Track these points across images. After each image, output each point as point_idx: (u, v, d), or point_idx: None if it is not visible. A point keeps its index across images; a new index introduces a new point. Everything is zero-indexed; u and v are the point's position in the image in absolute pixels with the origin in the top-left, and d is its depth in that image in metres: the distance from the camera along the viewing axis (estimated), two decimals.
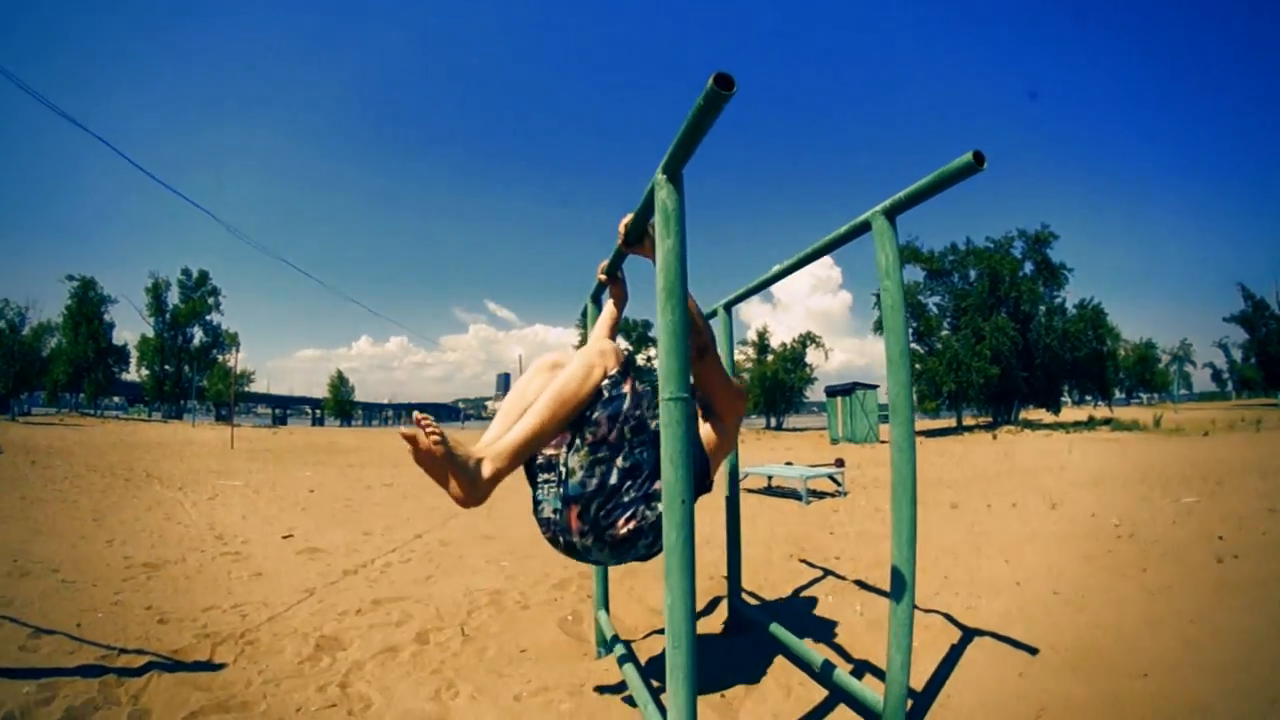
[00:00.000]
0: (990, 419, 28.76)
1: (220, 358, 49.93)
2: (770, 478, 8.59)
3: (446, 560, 4.26)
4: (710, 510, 4.28)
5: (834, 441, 22.54)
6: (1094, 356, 27.84)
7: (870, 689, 1.91)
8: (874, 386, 23.63)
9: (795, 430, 38.31)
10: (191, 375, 48.35)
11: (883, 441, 21.50)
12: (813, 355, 42.17)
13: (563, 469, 1.62)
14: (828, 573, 3.81)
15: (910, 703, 1.80)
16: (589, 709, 2.11)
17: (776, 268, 2.36)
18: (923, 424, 33.23)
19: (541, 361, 1.84)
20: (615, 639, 2.35)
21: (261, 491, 7.94)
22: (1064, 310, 27.95)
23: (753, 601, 3.35)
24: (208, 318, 49.01)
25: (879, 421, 23.27)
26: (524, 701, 2.16)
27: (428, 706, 2.12)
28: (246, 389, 56.70)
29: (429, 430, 1.35)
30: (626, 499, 1.59)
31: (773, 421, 42.45)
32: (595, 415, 1.61)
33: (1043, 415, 30.18)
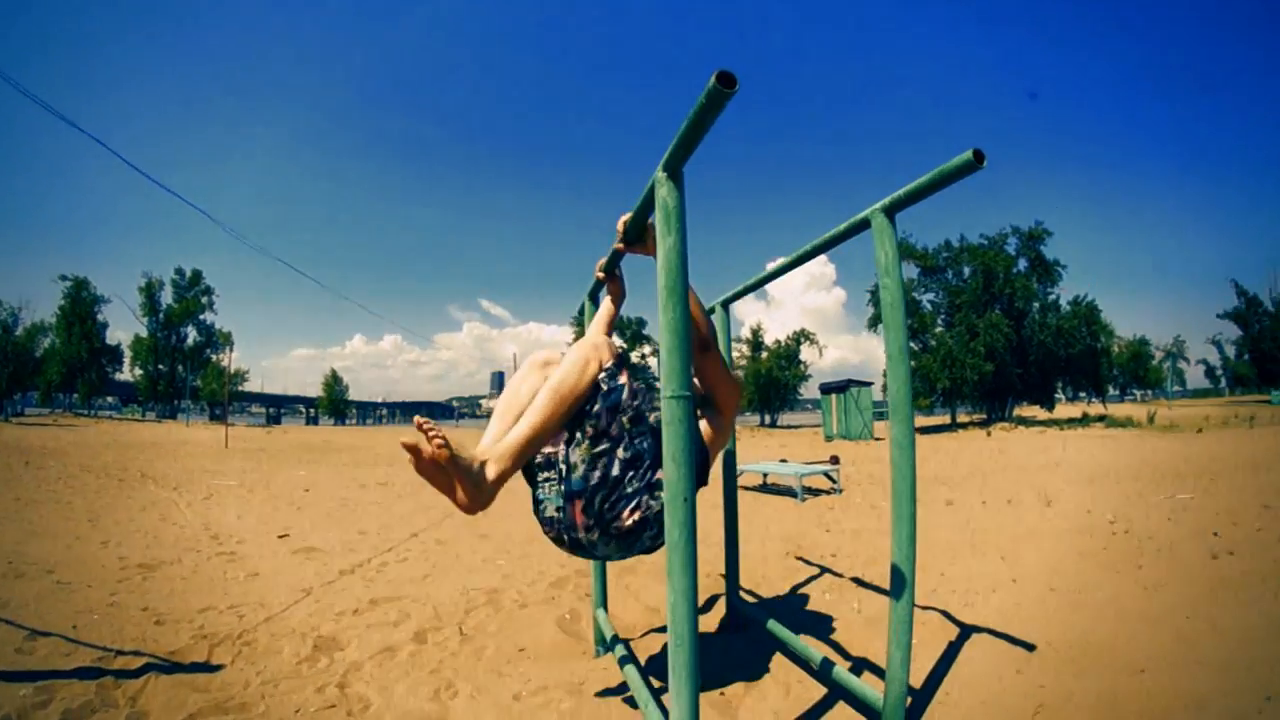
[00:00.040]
0: (984, 416, 28.89)
1: (214, 357, 49.77)
2: (765, 475, 8.61)
3: (443, 559, 4.25)
4: (706, 508, 4.29)
5: (828, 439, 22.57)
6: (1088, 353, 27.97)
7: (869, 686, 1.91)
8: (868, 384, 23.71)
9: (789, 428, 38.37)
10: (185, 375, 48.14)
11: (877, 439, 21.57)
12: (807, 352, 42.21)
13: (563, 466, 1.62)
14: (824, 570, 3.82)
15: (909, 700, 1.81)
16: (589, 708, 2.11)
17: (771, 266, 2.36)
18: (917, 421, 33.16)
19: (532, 360, 1.83)
20: (615, 639, 2.35)
21: (256, 491, 7.91)
22: (1058, 307, 28.10)
23: (750, 599, 3.36)
24: (201, 317, 48.85)
25: (873, 419, 23.34)
26: (524, 701, 2.16)
27: (427, 706, 2.12)
28: (240, 388, 56.37)
29: (432, 435, 1.32)
30: (630, 490, 1.59)
31: (767, 419, 42.48)
32: (595, 409, 1.61)
33: (1037, 412, 30.33)
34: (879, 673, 2.29)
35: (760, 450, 16.64)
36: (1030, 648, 2.38)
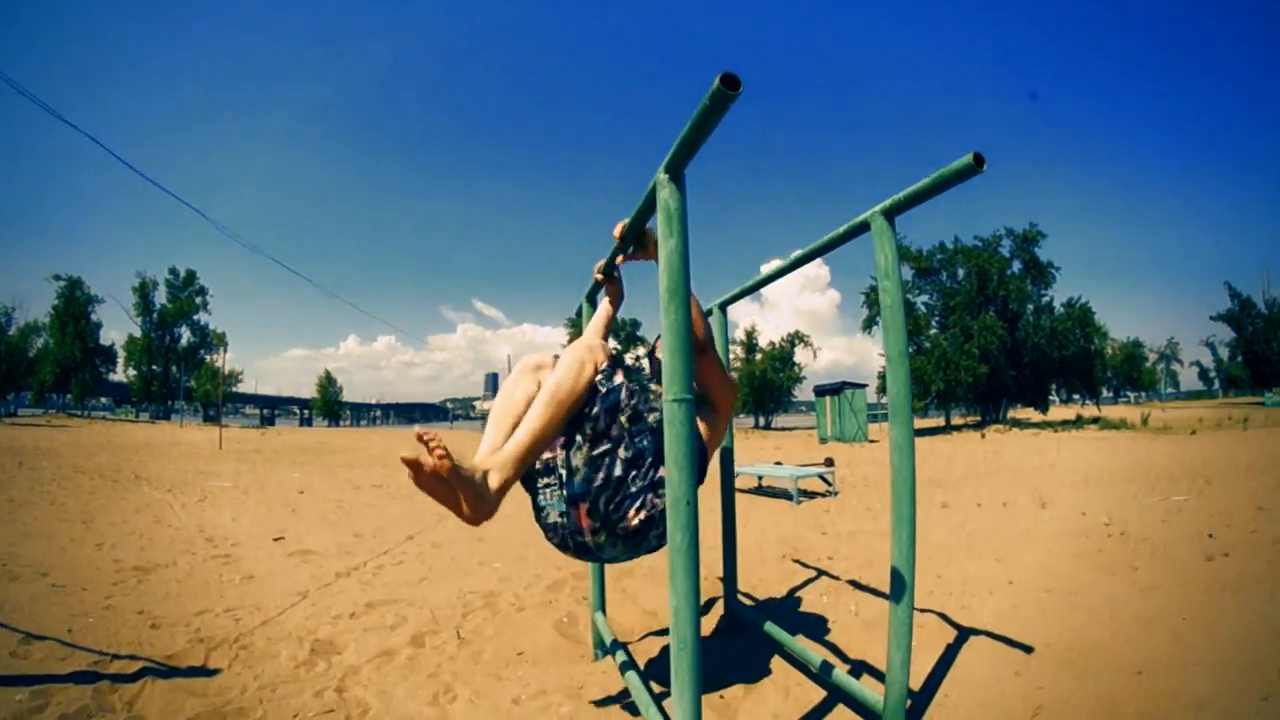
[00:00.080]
0: (978, 418, 28.98)
1: (208, 358, 49.67)
2: (760, 478, 8.61)
3: (439, 562, 4.24)
4: (702, 510, 4.27)
5: (822, 441, 22.62)
6: (1082, 355, 28.11)
7: (869, 689, 1.92)
8: (862, 386, 23.77)
9: (783, 429, 38.40)
10: (179, 375, 48.01)
11: (872, 441, 21.62)
12: (801, 354, 42.25)
13: (562, 471, 1.61)
14: (821, 573, 3.82)
15: (909, 702, 1.81)
16: (588, 713, 2.10)
17: (766, 268, 2.37)
18: None
19: (524, 364, 1.80)
20: (615, 643, 2.34)
21: (251, 493, 7.87)
22: (1052, 309, 28.23)
23: (747, 602, 3.36)
24: (195, 317, 48.73)
25: (868, 421, 23.39)
26: (523, 705, 2.15)
27: (426, 711, 2.11)
28: (234, 389, 56.30)
29: (434, 446, 1.25)
30: (634, 489, 1.59)
31: (761, 421, 42.51)
32: (593, 411, 1.61)
33: (1030, 414, 30.42)
34: (877, 675, 2.30)
35: (755, 452, 16.65)
36: (1028, 650, 2.39)
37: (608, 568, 3.52)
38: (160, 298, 47.32)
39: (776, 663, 2.46)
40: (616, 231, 1.77)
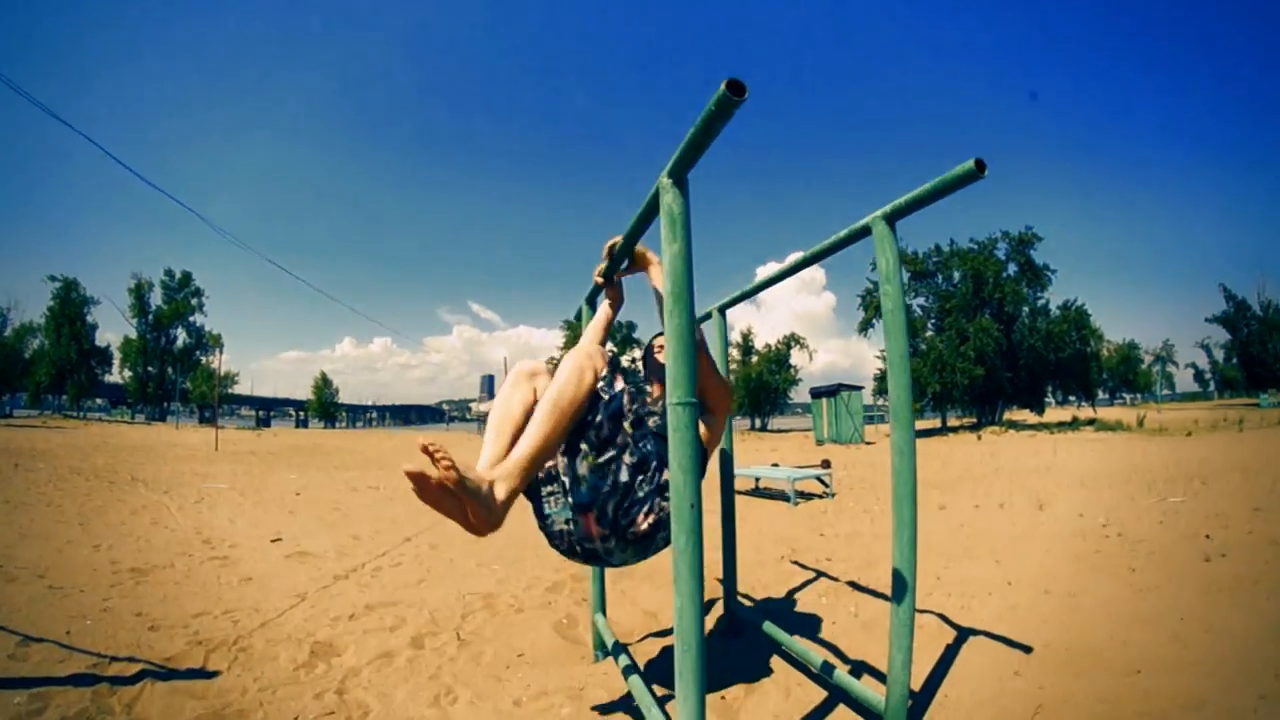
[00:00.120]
0: (975, 420, 29.02)
1: (204, 359, 49.46)
2: (758, 479, 8.61)
3: (437, 564, 4.24)
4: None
5: (819, 443, 22.63)
6: (1077, 357, 28.17)
7: (870, 689, 1.92)
8: (858, 388, 23.77)
9: (780, 432, 38.42)
10: (175, 377, 47.82)
11: (868, 443, 21.63)
12: (797, 356, 42.32)
13: (566, 478, 1.60)
14: (820, 574, 3.83)
15: (910, 702, 1.81)
16: (590, 714, 2.11)
17: (767, 272, 2.37)
18: None
19: (518, 371, 1.77)
20: (617, 644, 2.34)
21: (248, 494, 7.85)
22: (1047, 311, 28.29)
23: (747, 603, 3.37)
24: (191, 319, 48.48)
25: (864, 423, 23.40)
26: (524, 706, 2.16)
27: (428, 713, 2.11)
28: (230, 391, 56.13)
29: (439, 457, 1.22)
30: (641, 494, 1.59)
31: (757, 423, 42.54)
32: (597, 418, 1.60)
33: (1027, 416, 30.48)
34: (877, 676, 2.31)
35: (751, 454, 16.66)
36: (1028, 650, 2.40)
37: (607, 570, 3.52)
38: (156, 299, 47.14)
39: (777, 663, 2.47)
40: (605, 251, 1.77)
